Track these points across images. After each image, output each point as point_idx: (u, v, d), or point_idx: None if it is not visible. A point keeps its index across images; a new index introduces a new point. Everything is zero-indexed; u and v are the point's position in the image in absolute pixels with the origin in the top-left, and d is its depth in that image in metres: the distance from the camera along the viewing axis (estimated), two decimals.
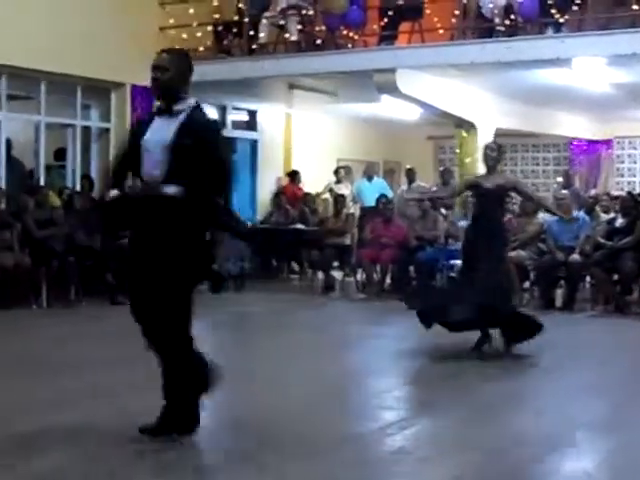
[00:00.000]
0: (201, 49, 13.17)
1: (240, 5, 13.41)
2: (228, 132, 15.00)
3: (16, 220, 10.53)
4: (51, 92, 11.96)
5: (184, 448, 4.82)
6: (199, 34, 13.16)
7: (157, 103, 4.82)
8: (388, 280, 12.31)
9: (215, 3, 13.30)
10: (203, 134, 4.77)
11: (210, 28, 13.35)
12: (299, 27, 12.88)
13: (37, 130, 12.06)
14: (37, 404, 5.72)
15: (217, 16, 13.40)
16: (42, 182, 11.95)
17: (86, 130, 12.74)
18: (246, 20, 13.11)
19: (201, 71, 12.17)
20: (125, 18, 12.20)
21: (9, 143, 12.13)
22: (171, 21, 12.83)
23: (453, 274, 10.75)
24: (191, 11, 12.93)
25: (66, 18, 11.50)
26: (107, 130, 12.80)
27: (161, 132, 4.74)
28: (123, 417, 5.35)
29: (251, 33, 13.08)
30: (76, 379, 6.53)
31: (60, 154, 12.81)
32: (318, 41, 12.69)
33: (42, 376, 6.66)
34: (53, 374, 6.73)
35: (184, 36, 12.92)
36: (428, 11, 12.31)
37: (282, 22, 13.03)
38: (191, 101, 4.86)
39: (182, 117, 4.78)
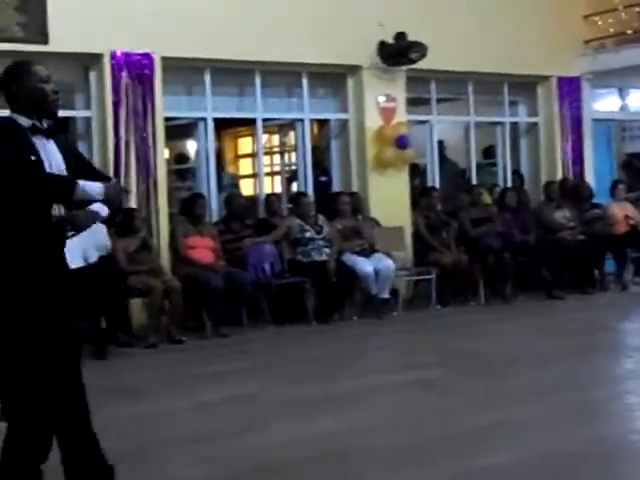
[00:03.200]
0: (629, 32, 12.73)
1: None
2: None
3: (452, 219, 10.92)
4: (478, 92, 12.21)
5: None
6: (625, 17, 12.71)
7: (28, 121, 3.92)
8: None
9: None
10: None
11: (638, 10, 12.81)
12: None
13: (467, 130, 12.37)
14: (482, 400, 5.83)
15: None
16: (474, 181, 12.23)
17: (514, 126, 12.83)
18: None
19: (630, 55, 12.12)
20: (547, 10, 12.09)
21: (442, 144, 12.62)
22: (595, 8, 12.50)
23: None
24: None
25: (489, 18, 11.60)
26: (535, 125, 12.78)
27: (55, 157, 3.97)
28: (583, 413, 5.34)
29: None
30: (520, 375, 6.62)
31: (489, 152, 13.03)
32: None
33: (488, 371, 6.81)
34: (499, 370, 6.85)
35: (609, 21, 12.58)
36: None
37: None
38: None
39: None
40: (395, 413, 5.63)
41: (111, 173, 9.17)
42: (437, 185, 11.62)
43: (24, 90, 3.92)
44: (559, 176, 12.46)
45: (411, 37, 10.57)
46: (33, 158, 3.82)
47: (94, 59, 9.32)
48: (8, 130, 3.92)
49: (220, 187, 10.97)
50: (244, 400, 6.05)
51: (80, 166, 4.05)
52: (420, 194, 11.13)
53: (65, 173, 3.90)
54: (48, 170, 3.85)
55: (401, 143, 10.78)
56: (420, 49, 10.55)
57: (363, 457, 4.62)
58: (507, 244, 10.79)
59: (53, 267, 3.85)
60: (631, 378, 6.55)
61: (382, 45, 10.65)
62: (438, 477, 4.30)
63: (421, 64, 10.74)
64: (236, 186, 11.50)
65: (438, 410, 5.63)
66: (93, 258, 8.49)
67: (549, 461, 4.43)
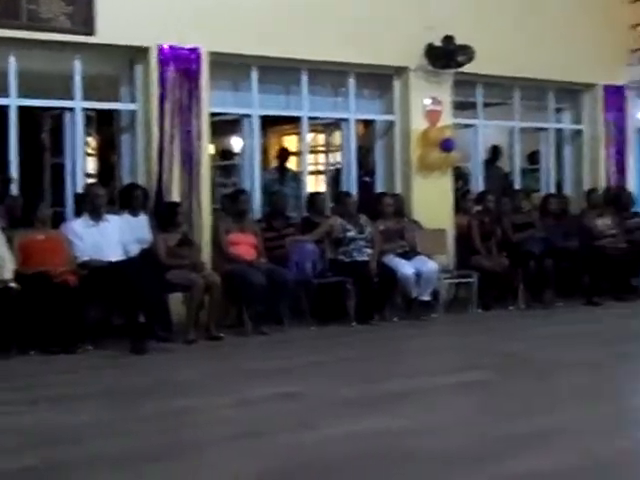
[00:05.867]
0: None
1: None
2: None
3: (496, 224, 10.83)
4: (524, 97, 12.13)
5: None
6: None
7: None
8: None
9: None
10: None
11: None
12: None
13: (512, 135, 12.29)
14: (527, 404, 5.78)
15: None
16: (517, 185, 12.14)
17: (559, 133, 12.72)
18: None
19: None
20: (594, 19, 12.00)
21: (497, 150, 12.61)
22: None
23: None
24: None
25: (537, 25, 11.56)
26: (579, 132, 12.67)
27: None
28: (622, 421, 5.30)
29: None
30: (562, 380, 6.55)
31: (534, 157, 12.95)
32: None
33: (530, 376, 6.76)
34: (543, 374, 6.80)
35: None
36: None
37: None
38: None
39: None
40: (442, 415, 5.58)
41: (154, 167, 9.21)
42: (480, 189, 11.58)
43: None
44: (601, 184, 12.37)
45: (459, 40, 10.52)
46: None
47: (141, 52, 9.32)
48: None
49: (283, 182, 11.04)
50: (290, 398, 6.01)
51: None
52: (476, 199, 11.14)
53: None
54: None
55: (446, 146, 10.73)
56: (468, 52, 10.51)
57: (409, 458, 4.57)
58: (548, 250, 10.69)
59: None
60: None
61: (430, 48, 10.60)
62: None
63: (468, 68, 10.70)
64: (296, 181, 11.37)
65: (484, 413, 5.60)
66: (134, 251, 8.50)
67: (590, 469, 4.37)
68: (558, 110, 12.68)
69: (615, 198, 12.04)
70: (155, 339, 8.00)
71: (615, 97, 12.52)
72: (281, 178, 11.16)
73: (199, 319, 8.54)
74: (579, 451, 4.63)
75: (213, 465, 4.57)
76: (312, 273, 9.34)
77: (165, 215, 8.94)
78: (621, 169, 12.62)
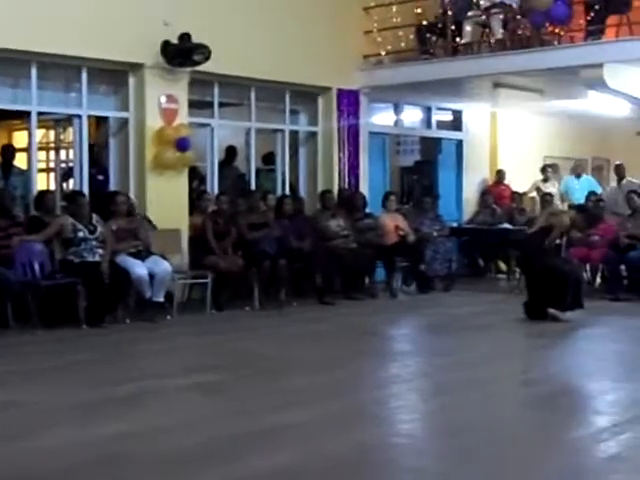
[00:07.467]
0: (405, 51, 13.27)
1: (443, 6, 13.37)
2: (433, 132, 15.08)
3: (231, 223, 10.91)
4: (260, 98, 12.31)
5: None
6: (402, 36, 13.24)
7: None
8: (598, 280, 11.99)
9: (418, 5, 13.33)
10: None
11: (413, 30, 13.38)
12: (503, 25, 12.70)
13: (248, 135, 12.44)
14: (261, 403, 5.88)
15: (420, 17, 13.41)
16: (253, 186, 12.29)
17: (294, 135, 13.03)
18: (449, 20, 13.04)
19: (405, 72, 12.67)
20: (330, 24, 12.42)
21: (234, 150, 12.67)
22: (375, 25, 12.96)
23: None
24: (394, 13, 13.00)
25: (275, 28, 11.82)
26: (314, 134, 13.04)
27: None
28: (353, 417, 5.51)
29: (454, 33, 13.01)
30: (293, 379, 6.74)
31: (269, 158, 13.16)
32: (523, 39, 12.46)
33: (264, 375, 6.88)
34: (274, 374, 6.93)
35: (388, 38, 13.06)
36: (637, 3, 11.83)
37: (486, 21, 12.91)
38: None
39: None
40: (174, 417, 5.57)
41: None
42: (216, 189, 11.63)
43: None
44: (335, 185, 12.78)
45: (196, 39, 10.51)
46: None
47: None
48: None
49: (7, 180, 10.56)
50: (12, 405, 5.79)
51: None
52: (216, 198, 11.15)
53: None
54: None
55: (181, 145, 10.69)
56: (204, 51, 10.52)
57: (135, 462, 4.55)
58: (283, 250, 10.92)
59: None
60: (396, 382, 6.80)
61: (166, 45, 10.52)
62: None
63: (205, 67, 10.72)
64: (23, 178, 10.87)
65: (217, 413, 5.66)
66: None
67: (323, 466, 4.53)
68: (294, 112, 12.98)
69: (348, 200, 12.48)
70: None
71: (349, 101, 12.98)
72: (5, 175, 10.66)
73: None
74: (312, 448, 4.80)
75: None
76: (40, 274, 9.04)
77: None
78: (354, 171, 13.11)
